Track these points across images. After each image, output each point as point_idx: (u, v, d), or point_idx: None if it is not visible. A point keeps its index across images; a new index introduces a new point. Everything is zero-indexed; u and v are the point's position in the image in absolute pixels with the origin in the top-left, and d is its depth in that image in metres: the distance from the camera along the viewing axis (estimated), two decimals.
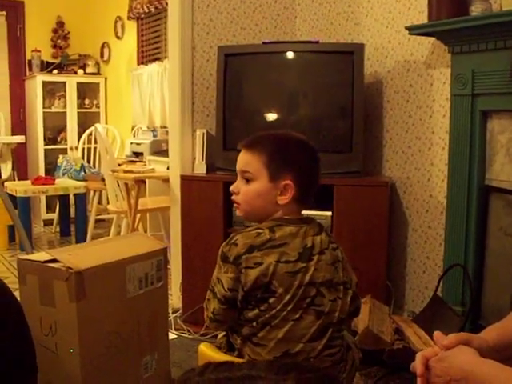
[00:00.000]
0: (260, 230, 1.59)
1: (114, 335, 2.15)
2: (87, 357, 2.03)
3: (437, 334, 1.17)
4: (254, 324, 1.58)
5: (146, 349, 2.30)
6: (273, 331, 1.56)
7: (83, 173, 5.90)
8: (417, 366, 1.13)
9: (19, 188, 4.98)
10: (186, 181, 3.25)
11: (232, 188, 1.70)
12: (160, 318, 2.40)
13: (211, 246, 2.90)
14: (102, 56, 6.76)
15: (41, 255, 2.13)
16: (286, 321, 1.55)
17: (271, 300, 1.55)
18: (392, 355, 2.59)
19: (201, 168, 3.29)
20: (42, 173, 6.21)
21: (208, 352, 1.69)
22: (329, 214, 2.97)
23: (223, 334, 1.78)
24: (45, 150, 6.44)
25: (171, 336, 2.81)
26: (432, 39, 2.95)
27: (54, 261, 2.04)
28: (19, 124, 6.70)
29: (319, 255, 1.60)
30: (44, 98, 6.44)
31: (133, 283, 2.17)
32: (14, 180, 5.75)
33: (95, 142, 6.17)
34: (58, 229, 5.90)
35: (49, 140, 6.57)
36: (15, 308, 1.59)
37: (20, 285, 2.10)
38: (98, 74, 6.79)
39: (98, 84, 6.73)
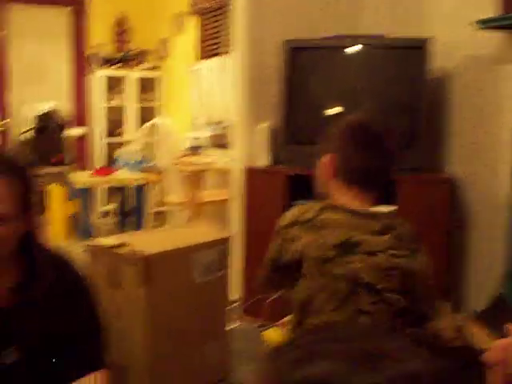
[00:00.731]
0: (310, 208, 1.59)
1: (178, 321, 2.17)
2: (151, 340, 2.06)
3: (511, 325, 1.15)
4: (295, 308, 1.59)
5: (208, 336, 2.32)
6: (309, 318, 1.54)
7: (142, 165, 5.98)
8: (493, 354, 1.10)
9: (79, 179, 5.08)
10: (250, 173, 3.26)
11: None
12: (220, 307, 2.42)
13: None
14: (162, 51, 6.84)
15: (109, 240, 2.17)
16: (321, 310, 1.52)
17: (302, 282, 1.54)
18: (453, 353, 2.54)
19: (264, 161, 3.29)
20: (101, 165, 6.32)
21: (275, 337, 1.69)
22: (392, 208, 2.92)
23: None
24: (105, 142, 6.57)
25: (231, 325, 2.83)
26: (502, 33, 2.87)
27: (122, 246, 2.09)
28: (81, 117, 6.84)
29: (367, 255, 1.52)
30: (105, 92, 6.56)
31: (198, 270, 2.20)
32: (75, 171, 5.87)
33: (155, 136, 6.25)
34: (115, 220, 6.00)
35: (109, 133, 6.69)
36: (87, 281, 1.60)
37: (88, 270, 2.15)
38: (158, 68, 6.88)
39: (157, 79, 6.82)
